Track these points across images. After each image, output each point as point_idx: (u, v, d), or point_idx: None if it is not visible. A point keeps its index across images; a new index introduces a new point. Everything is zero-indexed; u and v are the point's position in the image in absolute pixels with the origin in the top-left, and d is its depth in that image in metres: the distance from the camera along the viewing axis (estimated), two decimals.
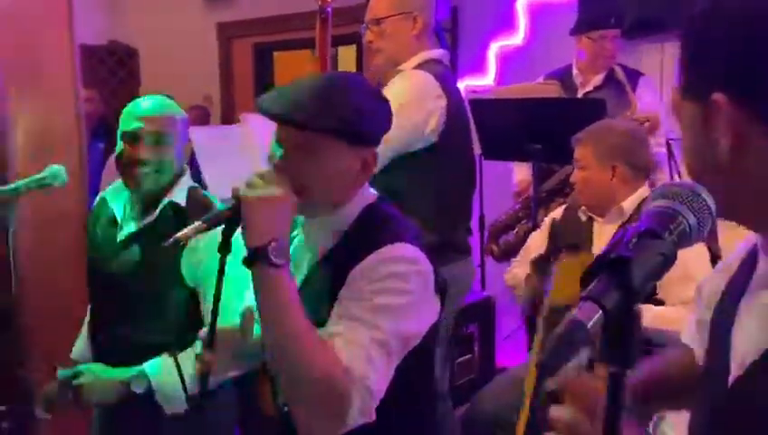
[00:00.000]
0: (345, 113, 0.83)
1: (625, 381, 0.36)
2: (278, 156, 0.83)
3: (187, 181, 1.24)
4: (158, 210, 1.18)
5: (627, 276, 0.35)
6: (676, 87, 0.47)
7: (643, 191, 1.55)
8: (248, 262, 0.78)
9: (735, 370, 0.50)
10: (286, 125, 0.83)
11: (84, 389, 1.08)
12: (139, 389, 1.09)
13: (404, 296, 0.82)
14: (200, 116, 3.03)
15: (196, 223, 0.81)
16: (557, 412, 0.45)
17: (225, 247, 0.82)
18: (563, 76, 2.18)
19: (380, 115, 0.90)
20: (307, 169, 0.83)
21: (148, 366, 1.10)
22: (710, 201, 0.40)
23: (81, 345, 1.30)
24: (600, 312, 0.33)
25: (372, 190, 0.94)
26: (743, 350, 0.50)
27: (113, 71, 3.73)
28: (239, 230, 0.81)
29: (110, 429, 1.26)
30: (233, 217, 0.80)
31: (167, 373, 1.10)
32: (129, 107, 1.21)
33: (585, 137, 1.57)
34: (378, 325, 0.79)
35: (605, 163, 1.50)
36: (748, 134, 0.40)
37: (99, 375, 1.11)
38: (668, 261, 0.38)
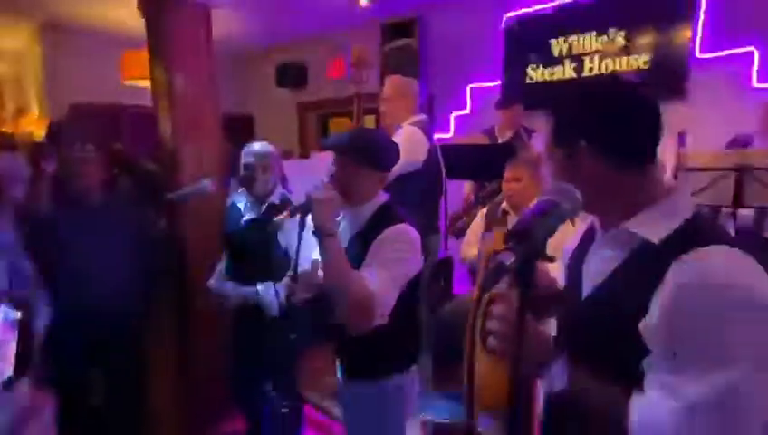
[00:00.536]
0: (369, 150, 1.17)
1: (528, 296, 0.53)
2: (333, 172, 1.17)
3: (280, 190, 1.67)
4: (264, 206, 1.61)
5: (529, 237, 0.54)
6: (549, 139, 0.70)
7: None
8: (316, 234, 1.06)
9: (586, 292, 0.73)
10: (337, 153, 1.17)
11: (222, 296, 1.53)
12: (254, 296, 1.51)
13: (404, 253, 1.13)
14: (287, 154, 3.71)
15: (285, 212, 1.15)
16: (495, 309, 0.64)
17: (302, 226, 1.10)
18: (490, 132, 2.96)
19: (392, 153, 1.23)
20: (345, 180, 1.15)
21: (261, 289, 1.51)
22: (578, 195, 0.62)
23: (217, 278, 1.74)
24: (514, 257, 0.51)
25: (385, 194, 1.23)
26: (590, 280, 0.73)
27: (241, 130, 4.72)
28: (309, 216, 1.09)
29: (240, 332, 1.68)
30: (306, 208, 1.09)
31: (267, 291, 1.51)
32: (247, 147, 1.64)
33: (521, 162, 2.02)
34: (389, 268, 1.10)
35: (534, 178, 1.96)
36: (595, 163, 0.65)
37: (233, 289, 1.55)
38: (553, 230, 0.57)
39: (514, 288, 0.56)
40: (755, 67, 2.56)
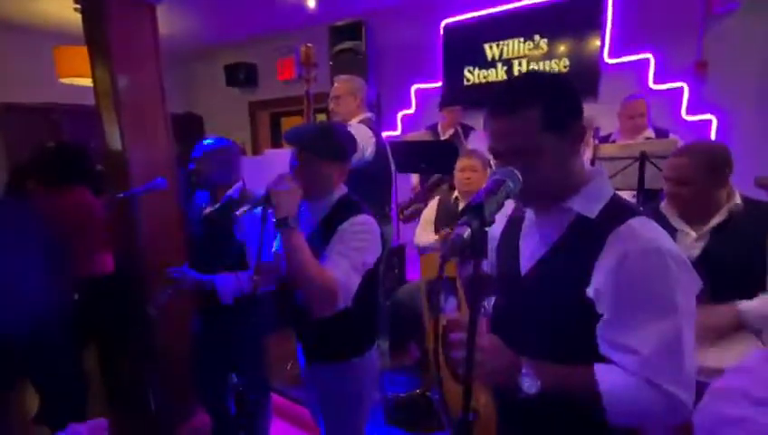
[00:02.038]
0: (331, 142, 1.18)
1: (481, 267, 0.58)
2: (295, 166, 1.18)
3: (239, 184, 1.66)
4: (222, 200, 1.61)
5: (481, 212, 0.58)
6: (532, 127, 0.71)
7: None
8: (279, 226, 1.08)
9: (524, 269, 0.80)
10: (299, 147, 1.18)
11: (178, 281, 1.49)
12: (209, 286, 1.49)
13: (365, 243, 1.17)
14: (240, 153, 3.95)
15: (246, 205, 1.13)
16: (454, 337, 0.67)
17: (263, 219, 1.11)
18: (434, 129, 3.19)
19: (351, 144, 1.27)
20: (308, 173, 1.16)
21: (216, 278, 1.51)
22: (520, 176, 0.69)
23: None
24: (469, 230, 0.55)
25: (343, 187, 1.27)
26: (528, 258, 0.80)
27: (191, 130, 4.82)
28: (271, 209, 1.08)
29: (202, 323, 1.69)
30: (267, 201, 1.10)
31: (226, 281, 1.52)
32: (198, 145, 1.64)
33: (475, 155, 2.16)
34: (352, 257, 1.13)
35: (485, 169, 2.08)
36: (562, 145, 0.72)
37: (189, 275, 1.52)
38: (500, 205, 0.62)
39: (468, 259, 0.59)
40: (652, 71, 3.00)
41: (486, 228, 0.59)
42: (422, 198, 3.02)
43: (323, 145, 1.18)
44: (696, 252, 1.27)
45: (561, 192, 0.76)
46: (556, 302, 0.74)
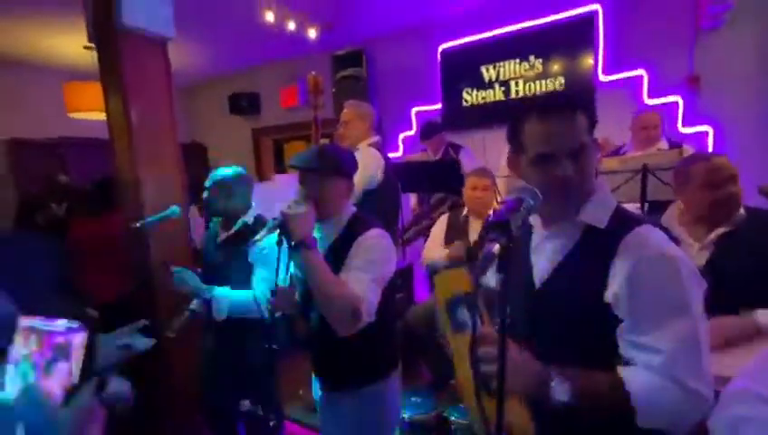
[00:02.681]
0: (333, 160, 1.22)
1: (505, 281, 0.58)
2: (302, 191, 1.21)
3: (253, 211, 1.70)
4: (236, 227, 1.65)
5: (507, 227, 0.60)
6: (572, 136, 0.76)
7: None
8: (296, 249, 1.08)
9: (538, 283, 0.83)
10: (304, 170, 1.22)
11: (177, 277, 1.51)
12: (206, 294, 1.53)
13: (381, 255, 1.17)
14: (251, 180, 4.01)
15: (263, 231, 1.14)
16: (482, 352, 0.66)
17: (280, 242, 1.11)
18: (426, 151, 3.25)
19: (352, 160, 1.30)
20: (314, 192, 1.19)
21: (217, 289, 1.54)
22: (538, 193, 0.71)
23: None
24: (498, 245, 0.57)
25: (353, 207, 1.29)
26: (540, 272, 0.83)
27: (194, 159, 4.83)
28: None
29: (216, 346, 1.68)
30: (282, 226, 1.11)
31: (224, 294, 1.54)
32: (211, 175, 1.69)
33: (485, 173, 2.21)
34: (369, 271, 1.13)
35: (494, 187, 2.24)
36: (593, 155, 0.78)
37: (189, 276, 1.54)
38: (524, 222, 0.64)
39: (498, 274, 0.59)
40: (645, 86, 3.09)
41: (512, 244, 0.60)
42: (423, 219, 3.06)
43: (323, 163, 1.21)
44: (701, 262, 1.28)
45: (583, 197, 0.81)
46: (575, 308, 0.77)
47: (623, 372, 0.72)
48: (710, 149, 2.86)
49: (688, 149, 2.44)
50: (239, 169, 1.74)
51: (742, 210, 1.30)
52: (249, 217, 1.68)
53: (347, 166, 1.27)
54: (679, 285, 0.71)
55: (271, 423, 1.51)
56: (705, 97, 2.92)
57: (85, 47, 3.49)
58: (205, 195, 1.66)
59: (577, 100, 0.82)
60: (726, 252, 1.26)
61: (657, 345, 0.70)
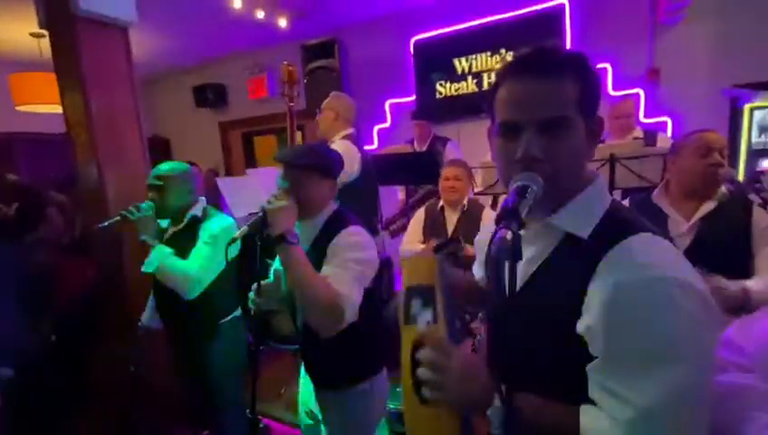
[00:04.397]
0: (320, 160, 1.21)
1: (516, 266, 0.53)
2: (284, 186, 1.17)
3: (201, 204, 1.68)
4: (185, 220, 1.66)
5: (517, 214, 0.54)
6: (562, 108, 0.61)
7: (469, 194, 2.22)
8: (277, 243, 1.05)
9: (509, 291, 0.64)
10: (287, 165, 1.19)
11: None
12: (149, 240, 1.56)
13: (362, 253, 1.15)
14: (213, 175, 3.91)
15: (243, 227, 1.11)
16: (424, 354, 0.58)
17: (261, 239, 1.10)
18: (411, 143, 3.30)
19: (338, 162, 1.27)
20: (298, 190, 1.16)
21: (161, 245, 1.58)
22: (540, 179, 0.60)
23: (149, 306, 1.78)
24: (510, 232, 0.52)
25: (334, 204, 1.28)
26: (518, 277, 0.61)
27: (156, 153, 4.29)
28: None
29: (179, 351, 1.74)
30: (263, 221, 1.09)
31: (162, 254, 1.54)
32: (153, 170, 1.64)
33: (459, 164, 2.24)
34: (351, 268, 1.12)
35: (469, 177, 2.25)
36: (581, 135, 0.63)
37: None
38: (531, 209, 0.57)
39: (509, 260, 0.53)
40: (610, 78, 3.21)
41: (522, 232, 0.54)
42: (408, 212, 3.02)
43: (310, 162, 1.19)
44: (688, 240, 1.35)
45: (559, 193, 0.64)
46: (540, 334, 0.64)
47: (583, 414, 0.58)
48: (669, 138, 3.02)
49: (665, 138, 2.56)
50: (178, 164, 1.68)
51: (724, 189, 1.37)
52: (197, 210, 1.66)
53: (334, 167, 1.25)
54: (671, 320, 0.53)
55: (261, 425, 1.51)
56: (664, 89, 3.08)
57: (32, 34, 3.25)
58: (150, 195, 1.61)
59: (570, 58, 0.63)
60: (711, 229, 1.32)
61: (628, 396, 0.54)
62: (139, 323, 1.71)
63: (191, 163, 3.55)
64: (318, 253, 1.17)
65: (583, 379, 0.59)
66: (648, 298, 0.54)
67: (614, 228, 0.61)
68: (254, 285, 1.20)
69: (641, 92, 3.13)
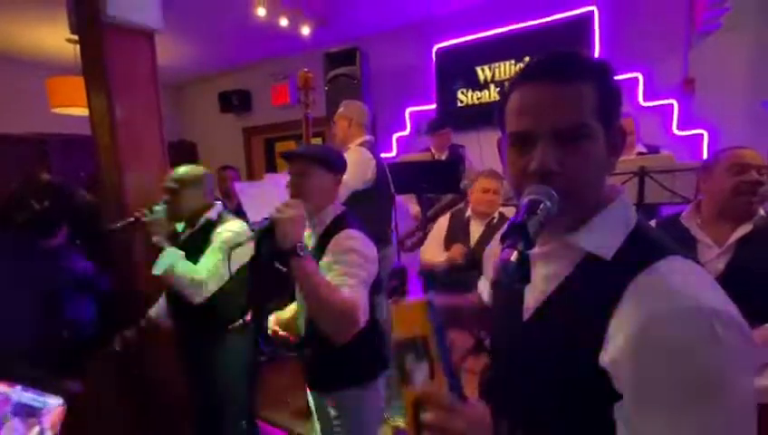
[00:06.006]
0: (320, 153, 1.27)
1: (524, 287, 0.55)
2: (291, 179, 1.24)
3: (217, 207, 1.70)
4: (198, 223, 1.68)
5: (525, 232, 0.51)
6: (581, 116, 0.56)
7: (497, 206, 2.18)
8: (285, 257, 1.04)
9: (527, 313, 0.64)
10: (296, 158, 1.25)
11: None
12: (161, 242, 1.60)
13: (361, 258, 1.17)
14: (234, 175, 3.76)
15: (251, 235, 1.11)
16: (428, 418, 0.53)
17: (260, 250, 1.20)
18: (428, 150, 3.18)
19: (340, 159, 1.33)
20: (306, 182, 1.22)
21: (171, 249, 1.59)
22: (555, 194, 0.55)
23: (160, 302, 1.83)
24: (516, 252, 0.49)
25: (341, 206, 1.32)
26: (532, 299, 0.63)
27: (183, 156, 4.51)
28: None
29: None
30: (269, 230, 1.08)
31: (172, 258, 1.55)
32: (168, 177, 1.67)
33: (495, 175, 2.16)
34: (353, 273, 1.14)
35: (501, 189, 2.18)
36: (599, 145, 0.58)
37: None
38: (542, 226, 0.53)
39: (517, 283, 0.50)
40: (641, 89, 3.08)
41: (536, 249, 0.52)
42: (426, 225, 2.99)
43: (308, 151, 1.25)
44: (721, 266, 1.25)
45: (580, 209, 0.59)
46: (559, 367, 0.57)
47: None
48: (705, 152, 2.86)
49: (671, 154, 2.44)
50: (193, 168, 1.70)
51: (762, 211, 1.26)
52: (212, 214, 1.68)
53: (332, 160, 1.27)
54: (709, 356, 0.48)
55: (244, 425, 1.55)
56: (699, 100, 2.92)
57: (68, 40, 3.39)
58: (164, 198, 1.63)
59: (589, 64, 0.58)
60: (747, 255, 1.22)
61: None
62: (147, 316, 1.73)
63: (227, 168, 3.73)
64: (322, 251, 1.21)
65: (603, 420, 0.53)
66: (685, 330, 0.49)
67: (641, 250, 0.56)
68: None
69: (675, 103, 2.98)
